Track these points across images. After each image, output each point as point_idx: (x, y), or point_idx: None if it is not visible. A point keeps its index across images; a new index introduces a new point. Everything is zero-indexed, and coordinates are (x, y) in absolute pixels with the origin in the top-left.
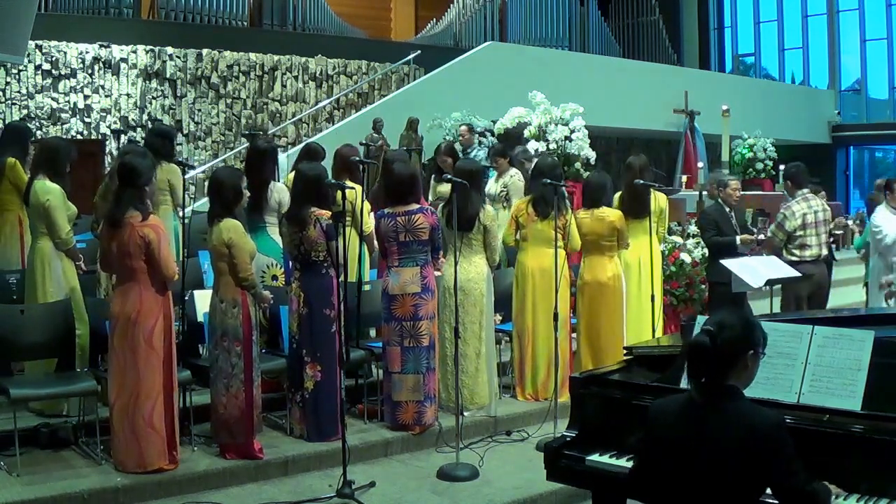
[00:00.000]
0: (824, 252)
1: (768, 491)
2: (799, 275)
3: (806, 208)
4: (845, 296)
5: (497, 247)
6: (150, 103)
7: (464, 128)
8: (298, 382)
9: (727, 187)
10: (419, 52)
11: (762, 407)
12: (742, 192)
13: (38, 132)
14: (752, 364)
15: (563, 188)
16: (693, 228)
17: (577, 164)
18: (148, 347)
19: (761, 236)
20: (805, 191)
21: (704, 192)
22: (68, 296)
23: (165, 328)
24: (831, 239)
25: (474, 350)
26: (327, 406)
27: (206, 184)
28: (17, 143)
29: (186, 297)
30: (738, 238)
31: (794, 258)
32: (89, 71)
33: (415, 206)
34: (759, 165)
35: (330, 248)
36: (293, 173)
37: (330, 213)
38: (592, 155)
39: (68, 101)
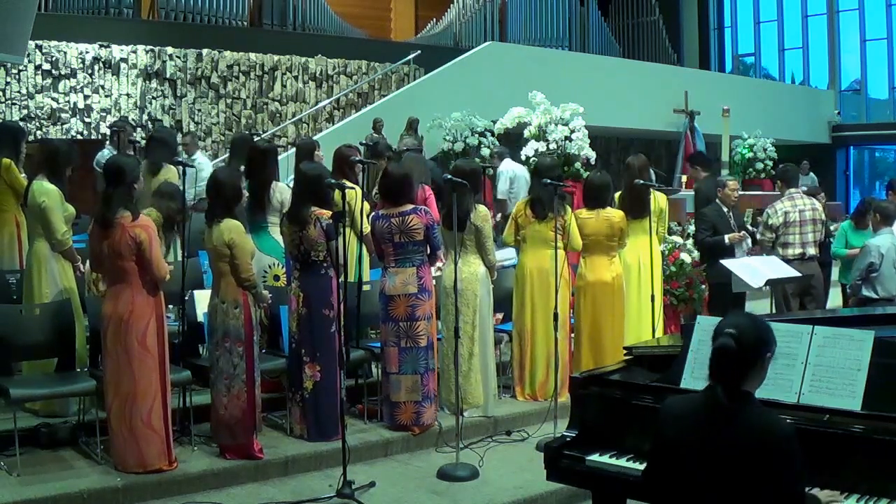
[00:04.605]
0: (810, 251)
1: None
2: (800, 274)
3: (790, 207)
4: None
5: (490, 248)
6: (150, 103)
7: (186, 137)
8: (298, 382)
9: (725, 187)
10: (419, 52)
11: (776, 414)
12: (741, 192)
13: (38, 132)
14: (767, 366)
15: (563, 188)
16: (693, 228)
17: (577, 164)
18: (142, 349)
19: (758, 236)
20: (792, 190)
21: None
22: (65, 296)
23: (158, 329)
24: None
25: (467, 350)
26: (327, 406)
27: (206, 184)
28: (11, 143)
29: (186, 298)
30: (726, 237)
31: (777, 256)
32: (89, 71)
33: (408, 207)
34: (759, 165)
35: (330, 248)
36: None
37: (330, 212)
38: (592, 155)
39: (68, 101)
